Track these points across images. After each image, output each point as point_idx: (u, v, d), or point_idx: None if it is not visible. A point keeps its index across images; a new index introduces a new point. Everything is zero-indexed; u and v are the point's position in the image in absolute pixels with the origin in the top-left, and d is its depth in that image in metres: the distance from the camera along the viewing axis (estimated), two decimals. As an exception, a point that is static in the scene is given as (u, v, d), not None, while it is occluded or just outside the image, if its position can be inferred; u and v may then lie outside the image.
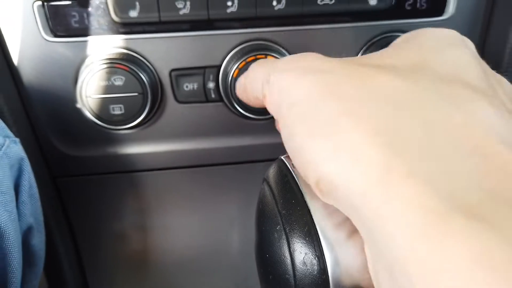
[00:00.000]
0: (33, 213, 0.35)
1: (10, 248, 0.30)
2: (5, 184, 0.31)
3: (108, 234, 0.50)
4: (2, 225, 0.29)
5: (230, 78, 0.39)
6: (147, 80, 0.38)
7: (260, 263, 0.23)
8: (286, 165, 0.22)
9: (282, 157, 0.23)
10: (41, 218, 0.36)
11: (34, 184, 0.35)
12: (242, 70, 0.38)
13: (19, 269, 0.31)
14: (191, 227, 0.51)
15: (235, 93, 0.39)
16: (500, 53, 0.40)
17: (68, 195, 0.46)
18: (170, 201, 0.48)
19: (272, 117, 0.40)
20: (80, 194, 0.46)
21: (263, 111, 0.40)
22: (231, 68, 0.39)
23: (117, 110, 0.38)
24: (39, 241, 0.36)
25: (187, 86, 0.41)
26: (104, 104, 0.38)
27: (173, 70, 0.40)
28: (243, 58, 0.38)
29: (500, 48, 0.40)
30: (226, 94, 0.40)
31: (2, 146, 0.31)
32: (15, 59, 0.39)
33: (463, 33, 0.41)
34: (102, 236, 0.50)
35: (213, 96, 0.41)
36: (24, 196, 0.33)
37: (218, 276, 0.55)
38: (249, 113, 0.40)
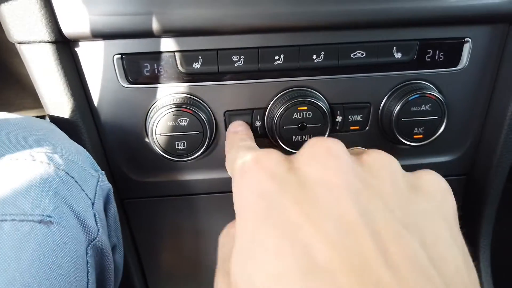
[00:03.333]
0: (116, 233, 0.42)
1: (108, 265, 0.37)
2: (102, 212, 0.38)
3: (166, 249, 0.57)
4: (104, 246, 0.36)
5: (275, 119, 0.46)
6: (206, 120, 0.45)
7: None
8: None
9: None
10: (121, 236, 0.43)
11: (116, 209, 0.42)
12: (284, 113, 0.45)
13: (112, 280, 0.39)
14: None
15: (278, 130, 0.46)
16: (507, 102, 0.46)
17: (133, 215, 0.53)
18: (220, 220, 0.55)
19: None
20: (143, 214, 0.53)
21: (302, 144, 0.47)
22: (276, 110, 0.45)
23: (181, 145, 0.45)
24: (119, 256, 0.43)
25: (238, 124, 0.47)
26: (171, 140, 0.45)
27: (227, 111, 0.47)
28: (287, 103, 0.45)
29: (507, 97, 0.46)
30: (271, 131, 0.47)
31: (98, 180, 0.38)
32: (95, 102, 0.46)
33: (475, 82, 0.48)
34: (162, 251, 0.57)
35: (259, 132, 0.48)
36: (111, 220, 0.41)
37: None
38: (288, 147, 0.47)
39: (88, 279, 0.34)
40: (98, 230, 0.35)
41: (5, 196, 0.29)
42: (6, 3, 0.38)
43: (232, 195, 0.53)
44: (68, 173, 0.34)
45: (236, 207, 0.25)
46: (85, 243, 0.34)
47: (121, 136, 0.47)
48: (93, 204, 0.36)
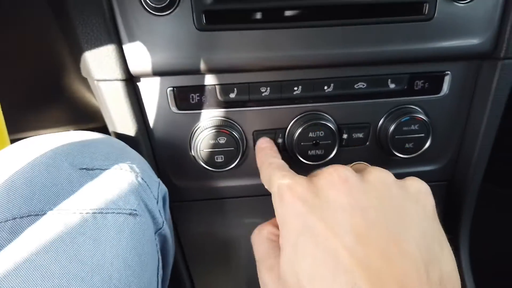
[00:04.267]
0: (170, 227, 0.53)
1: (169, 249, 0.49)
2: (162, 209, 0.49)
3: (203, 242, 0.69)
4: (166, 234, 0.48)
5: (294, 137, 0.57)
6: (239, 138, 0.56)
7: None
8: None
9: None
10: (172, 230, 0.55)
11: (169, 207, 0.54)
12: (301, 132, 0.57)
13: (171, 262, 0.50)
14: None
15: (296, 147, 0.58)
16: (480, 122, 0.58)
17: (178, 215, 0.65)
18: (249, 219, 0.67)
19: (323, 162, 0.57)
20: (185, 214, 0.65)
21: (316, 157, 0.58)
22: (295, 130, 0.57)
23: (219, 158, 0.57)
24: (171, 246, 0.54)
25: (263, 141, 0.59)
26: (211, 155, 0.56)
27: (255, 131, 0.58)
28: (304, 124, 0.56)
29: (480, 118, 0.58)
30: (290, 147, 0.58)
31: (159, 185, 0.50)
32: (151, 124, 0.57)
33: (454, 106, 0.60)
34: (200, 243, 0.69)
35: (280, 148, 0.59)
36: (167, 215, 0.52)
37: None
38: (305, 159, 0.58)
39: (158, 258, 0.45)
40: (163, 222, 0.47)
41: (107, 196, 0.41)
42: (90, 51, 0.50)
43: (257, 198, 0.64)
44: (143, 179, 0.46)
45: (280, 222, 0.35)
46: (154, 231, 0.46)
47: (170, 150, 0.59)
48: (157, 202, 0.47)
